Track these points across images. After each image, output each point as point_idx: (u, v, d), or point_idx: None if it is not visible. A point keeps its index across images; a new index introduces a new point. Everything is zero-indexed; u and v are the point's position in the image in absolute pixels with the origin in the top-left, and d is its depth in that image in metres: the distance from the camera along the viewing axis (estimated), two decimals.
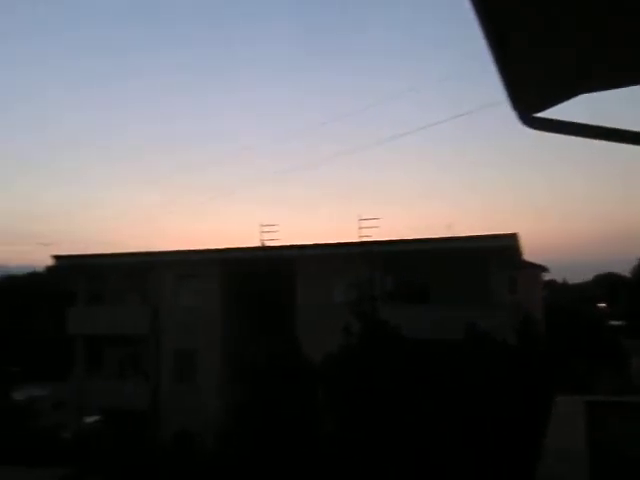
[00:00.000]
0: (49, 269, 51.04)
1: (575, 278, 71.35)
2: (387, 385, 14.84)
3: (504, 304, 20.15)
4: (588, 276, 71.40)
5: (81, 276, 26.34)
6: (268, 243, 24.10)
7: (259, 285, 22.81)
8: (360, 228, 22.50)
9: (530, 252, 25.89)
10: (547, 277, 40.76)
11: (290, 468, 15.01)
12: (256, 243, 24.28)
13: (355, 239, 22.07)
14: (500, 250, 19.32)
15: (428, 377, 14.77)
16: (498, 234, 19.14)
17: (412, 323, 17.43)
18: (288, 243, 23.08)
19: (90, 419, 25.09)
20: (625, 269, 56.06)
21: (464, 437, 13.22)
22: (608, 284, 61.94)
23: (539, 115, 2.30)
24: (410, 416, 14.01)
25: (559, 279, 64.35)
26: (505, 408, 13.38)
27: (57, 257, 26.35)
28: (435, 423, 13.72)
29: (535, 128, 2.34)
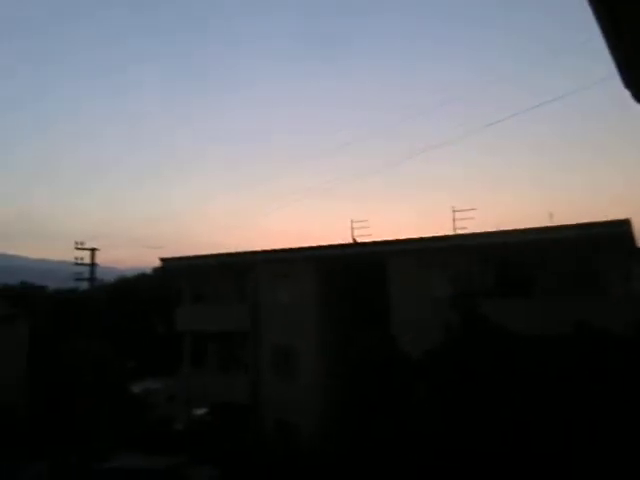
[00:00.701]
0: (156, 270, 54.57)
1: None
2: (490, 381, 14.27)
3: (618, 296, 18.62)
4: None
5: (186, 276, 27.84)
6: (360, 239, 24.04)
7: (353, 281, 22.86)
8: (455, 220, 21.82)
9: None
10: None
11: (388, 465, 14.89)
12: (349, 240, 24.31)
13: (450, 232, 21.43)
14: (611, 238, 17.86)
15: (535, 374, 14.01)
16: (608, 221, 17.70)
17: (515, 318, 16.62)
18: (380, 239, 22.90)
19: (199, 411, 26.52)
20: None
21: (578, 436, 12.39)
22: None
23: None
24: (518, 415, 13.35)
25: None
26: (624, 408, 12.37)
27: (164, 259, 28.00)
28: (545, 423, 12.99)
29: None
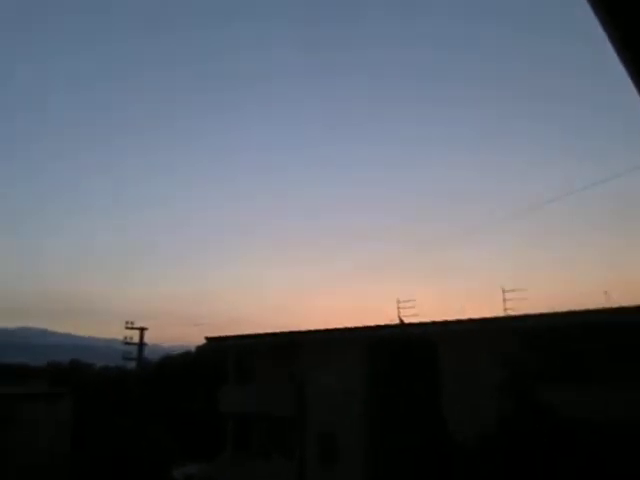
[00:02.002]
0: (200, 349, 54.83)
1: None
2: (546, 470, 13.40)
3: None
4: None
5: (231, 356, 27.86)
6: (406, 319, 23.75)
7: (401, 363, 22.36)
8: (505, 300, 21.38)
9: None
10: None
11: None
12: (395, 319, 24.05)
13: (500, 313, 20.96)
14: None
15: (600, 463, 13.10)
16: None
17: (570, 404, 15.80)
18: (428, 319, 22.55)
19: None
20: None
21: None
22: None
23: None
24: None
25: None
26: None
27: (209, 338, 28.22)
28: None
29: None
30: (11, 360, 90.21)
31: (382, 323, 23.15)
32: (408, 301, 24.00)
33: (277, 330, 25.91)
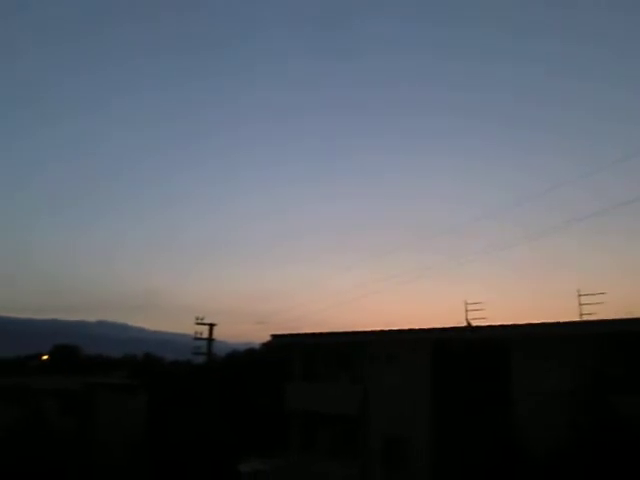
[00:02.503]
0: (265, 346, 55.82)
1: None
2: None
3: None
4: None
5: (296, 354, 28.19)
6: (475, 322, 23.09)
7: (468, 367, 21.78)
8: (581, 305, 20.33)
9: None
10: None
11: None
12: (462, 322, 23.44)
13: (576, 317, 19.94)
14: None
15: None
16: None
17: None
18: (497, 322, 21.82)
19: None
20: None
21: None
22: None
23: None
24: None
25: None
26: None
27: (275, 336, 28.67)
28: None
29: None
30: (92, 352, 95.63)
31: (449, 326, 22.65)
32: (476, 303, 23.32)
33: (341, 330, 25.97)
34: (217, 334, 31.26)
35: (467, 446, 19.52)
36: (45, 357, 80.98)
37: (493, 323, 21.70)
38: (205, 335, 30.31)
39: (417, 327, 23.34)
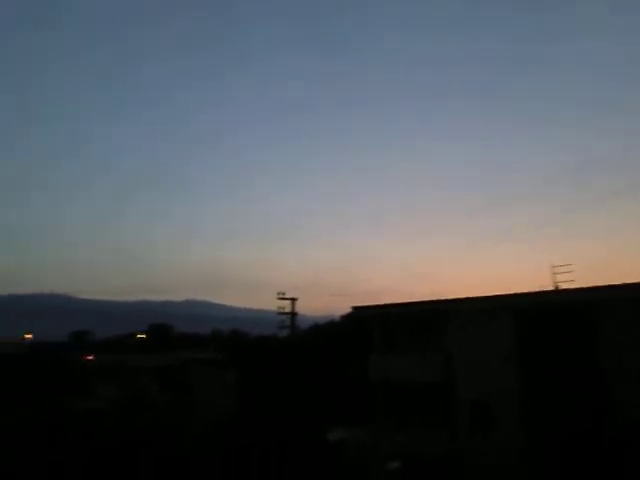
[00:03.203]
0: (345, 318, 56.65)
1: None
2: None
3: None
4: None
5: (378, 324, 28.37)
6: (563, 285, 22.23)
7: (556, 332, 21.07)
8: None
9: None
10: None
11: None
12: (547, 286, 22.64)
13: None
14: None
15: None
16: None
17: None
18: (585, 285, 20.87)
19: (392, 464, 26.19)
20: None
21: None
22: None
23: None
24: None
25: None
26: None
27: (356, 307, 28.99)
28: None
29: None
30: (181, 330, 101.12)
31: (533, 290, 21.95)
32: (564, 266, 22.41)
33: (422, 299, 25.82)
34: (298, 308, 32.05)
35: (555, 412, 19.01)
36: (141, 336, 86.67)
37: (582, 285, 20.83)
38: (288, 310, 31.15)
39: (499, 293, 22.84)
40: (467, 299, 23.79)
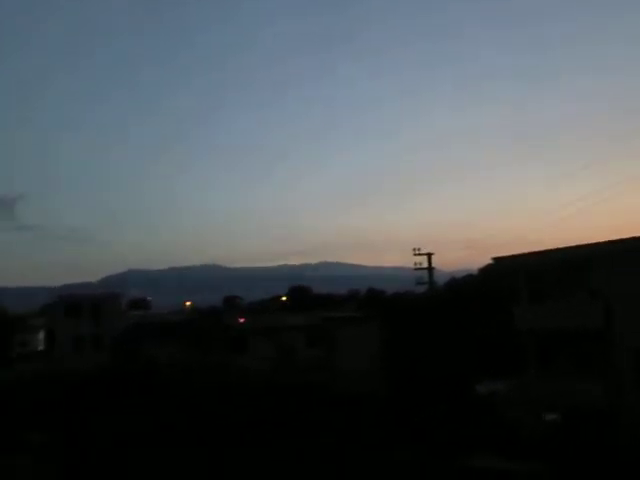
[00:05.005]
0: (485, 270, 54.92)
1: None
2: None
3: None
4: None
5: (520, 275, 27.18)
6: None
7: None
8: None
9: None
10: None
11: None
12: None
13: None
14: None
15: None
16: None
17: None
18: None
19: (549, 416, 25.34)
20: None
21: None
22: None
23: None
24: None
25: None
26: None
27: (496, 258, 27.99)
28: None
29: None
30: (318, 291, 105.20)
31: None
32: None
33: (564, 245, 24.23)
34: (434, 263, 31.70)
35: None
36: (284, 298, 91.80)
37: None
38: (424, 265, 30.96)
39: None
40: (621, 240, 21.87)
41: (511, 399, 28.81)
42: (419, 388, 28.46)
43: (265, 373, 35.27)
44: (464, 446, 22.27)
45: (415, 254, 30.48)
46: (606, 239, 22.36)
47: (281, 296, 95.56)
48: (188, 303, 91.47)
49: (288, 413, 26.57)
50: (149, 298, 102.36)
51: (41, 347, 61.33)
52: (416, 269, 30.62)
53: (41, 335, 62.87)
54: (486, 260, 28.27)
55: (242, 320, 51.86)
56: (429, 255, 30.47)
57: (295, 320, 43.94)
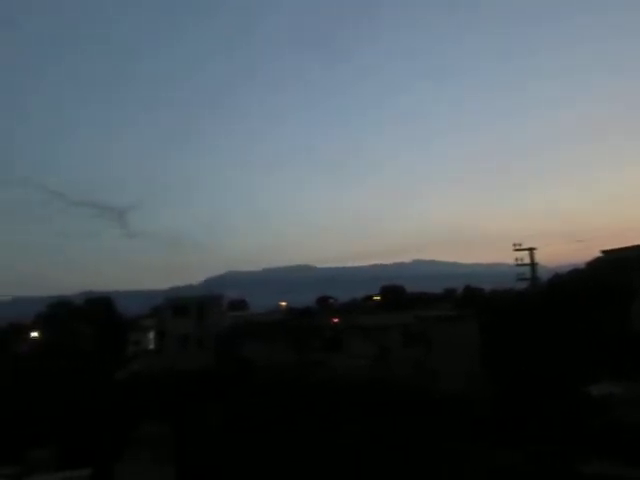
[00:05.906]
0: (592, 263, 51.23)
1: None
2: None
3: None
4: None
5: (634, 267, 25.08)
6: None
7: None
8: None
9: None
10: None
11: None
12: None
13: None
14: None
15: None
16: None
17: None
18: None
19: None
20: None
21: None
22: None
23: None
24: None
25: None
26: None
27: (606, 251, 26.07)
28: None
29: None
30: (411, 290, 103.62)
31: None
32: None
33: None
34: (537, 259, 29.95)
35: None
36: (377, 298, 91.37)
37: None
38: (525, 261, 29.38)
39: None
40: None
41: (630, 402, 26.63)
42: (527, 389, 27.04)
43: (361, 373, 35.18)
44: (581, 451, 20.95)
45: (515, 249, 29.01)
46: None
47: (374, 295, 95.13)
48: (283, 303, 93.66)
49: (391, 413, 26.26)
50: (246, 299, 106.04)
51: (151, 346, 65.68)
52: (517, 265, 29.11)
53: (151, 335, 67.49)
54: (592, 254, 26.35)
55: (336, 320, 52.24)
56: (531, 250, 28.86)
57: (389, 319, 43.50)
